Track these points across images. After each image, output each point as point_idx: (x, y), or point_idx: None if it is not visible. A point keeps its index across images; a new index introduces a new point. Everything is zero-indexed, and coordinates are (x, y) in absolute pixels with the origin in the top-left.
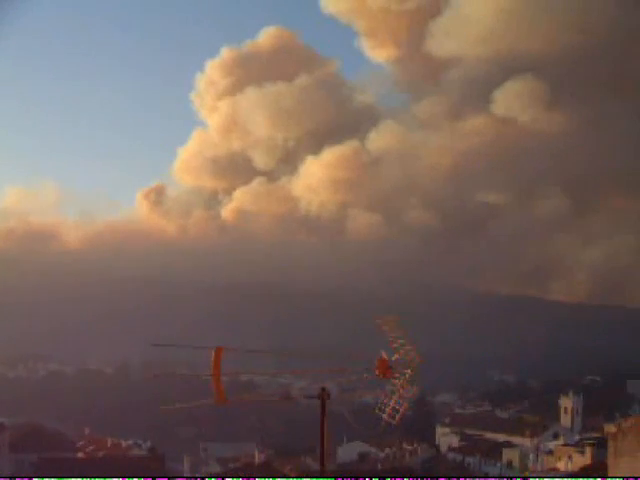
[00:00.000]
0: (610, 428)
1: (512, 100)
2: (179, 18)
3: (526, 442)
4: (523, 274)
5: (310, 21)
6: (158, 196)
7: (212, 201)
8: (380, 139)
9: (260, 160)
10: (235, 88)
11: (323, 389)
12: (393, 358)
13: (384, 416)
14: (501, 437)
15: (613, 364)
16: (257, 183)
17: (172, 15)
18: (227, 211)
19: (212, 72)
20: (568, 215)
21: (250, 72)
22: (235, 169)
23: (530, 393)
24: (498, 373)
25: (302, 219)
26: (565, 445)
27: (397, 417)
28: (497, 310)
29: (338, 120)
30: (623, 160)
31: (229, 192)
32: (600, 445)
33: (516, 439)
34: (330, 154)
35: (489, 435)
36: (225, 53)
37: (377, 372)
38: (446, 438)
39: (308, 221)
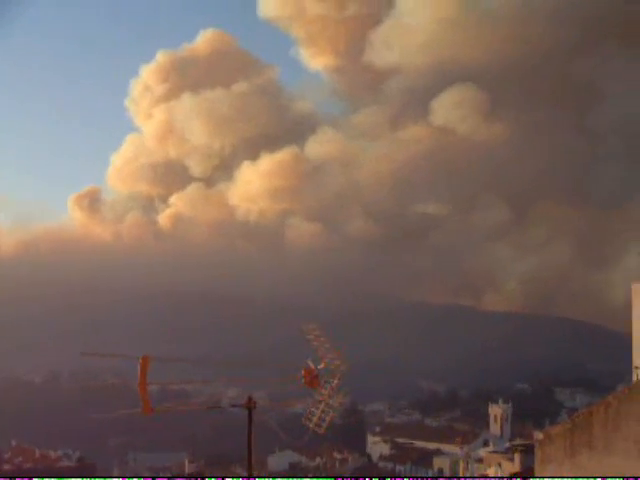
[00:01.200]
0: (538, 435)
1: (452, 110)
2: (112, 20)
3: (456, 450)
4: (459, 284)
5: (249, 26)
6: (92, 202)
7: (148, 207)
8: (319, 147)
9: (197, 167)
10: (171, 94)
11: (250, 398)
12: (320, 367)
13: (311, 425)
14: (431, 445)
15: (542, 372)
16: (194, 190)
17: (105, 17)
18: (164, 218)
19: (147, 77)
20: (507, 225)
21: (187, 77)
22: (172, 176)
23: (460, 402)
24: (429, 382)
25: (240, 227)
26: (495, 452)
27: (324, 426)
28: (430, 319)
29: (277, 128)
30: (561, 171)
31: (165, 199)
32: (529, 452)
33: (446, 447)
34: (269, 162)
35: (420, 443)
36: (161, 57)
37: (304, 381)
38: (377, 447)
39: (247, 229)
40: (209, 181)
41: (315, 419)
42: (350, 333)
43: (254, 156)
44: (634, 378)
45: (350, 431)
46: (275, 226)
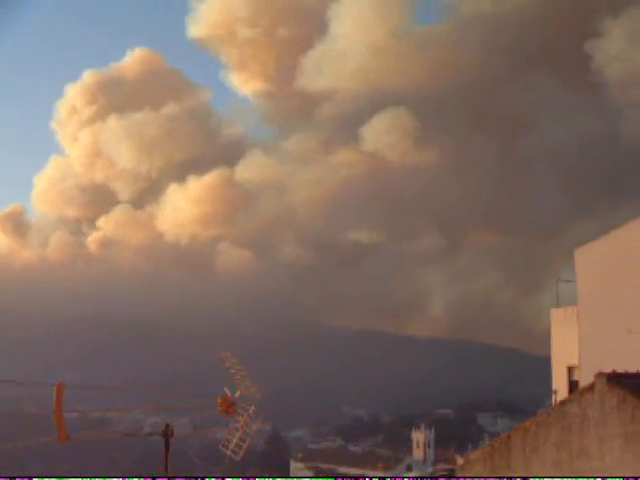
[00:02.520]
0: (459, 460)
1: (383, 135)
2: (37, 38)
3: (379, 475)
4: (387, 310)
5: (180, 47)
6: (17, 225)
7: (76, 231)
8: (250, 172)
9: (125, 191)
10: (98, 116)
11: (167, 425)
12: (236, 395)
13: (228, 452)
14: (355, 471)
15: (465, 398)
16: (122, 214)
17: (29, 35)
18: (91, 241)
19: (73, 98)
20: (439, 252)
21: (114, 98)
22: (99, 199)
23: (383, 427)
24: (352, 408)
25: (170, 252)
26: (418, 477)
27: (241, 453)
28: (355, 345)
29: (207, 151)
30: (491, 198)
31: (93, 222)
32: (451, 476)
33: (369, 472)
34: (198, 186)
35: (342, 469)
36: (87, 77)
37: (220, 410)
38: (300, 473)
39: (176, 254)
40: (138, 205)
41: (232, 446)
42: (275, 359)
43: (183, 180)
44: (553, 402)
45: (273, 457)
46: (205, 252)
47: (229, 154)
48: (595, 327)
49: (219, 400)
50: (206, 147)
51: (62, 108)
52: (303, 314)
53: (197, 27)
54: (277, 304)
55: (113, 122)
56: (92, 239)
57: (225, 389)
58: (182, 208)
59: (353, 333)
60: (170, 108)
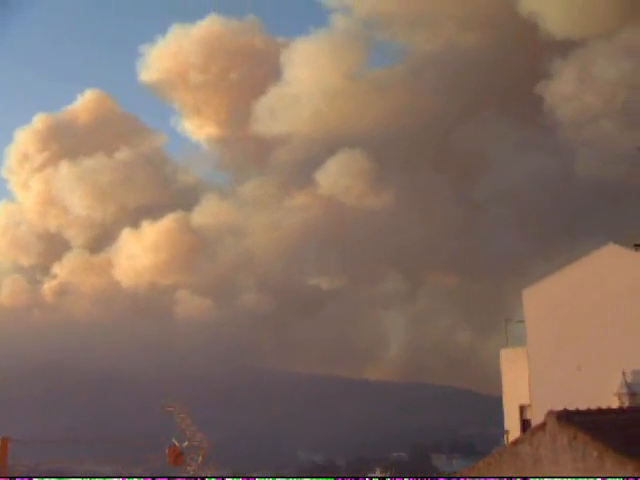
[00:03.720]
0: None
1: (339, 179)
2: None
3: None
4: (345, 355)
5: (133, 91)
6: None
7: (30, 278)
8: (206, 217)
9: (80, 238)
10: (50, 162)
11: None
12: (184, 445)
13: None
14: None
15: (420, 440)
16: (77, 261)
17: None
18: (46, 289)
19: (24, 144)
20: (396, 294)
21: (66, 143)
22: (53, 246)
23: (339, 471)
24: (308, 452)
25: (127, 300)
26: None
27: None
28: (312, 390)
29: (162, 197)
30: (448, 239)
31: (47, 269)
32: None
33: None
34: (154, 232)
35: None
36: (38, 122)
37: (168, 460)
38: None
39: (133, 302)
40: (93, 252)
41: None
42: (231, 405)
43: (139, 226)
44: (504, 442)
45: None
46: (163, 299)
47: (184, 200)
48: (545, 366)
49: (167, 451)
50: (161, 193)
51: (12, 155)
52: (261, 360)
53: (148, 72)
54: (236, 351)
55: (65, 168)
56: (47, 287)
57: (173, 439)
58: (139, 255)
59: (308, 378)
60: (124, 153)
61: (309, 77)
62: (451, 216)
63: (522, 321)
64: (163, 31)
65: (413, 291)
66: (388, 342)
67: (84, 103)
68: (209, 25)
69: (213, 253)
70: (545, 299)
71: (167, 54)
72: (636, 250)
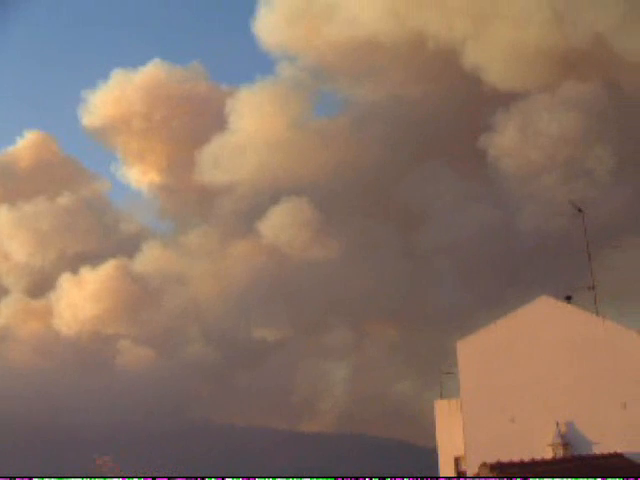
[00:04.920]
0: None
1: (283, 228)
2: None
3: None
4: (282, 406)
5: (75, 135)
6: None
7: None
8: (148, 266)
9: (19, 285)
10: None
11: None
12: None
13: None
14: None
15: None
16: (16, 309)
17: None
18: None
19: None
20: (340, 345)
21: (6, 187)
22: None
23: None
24: None
25: (67, 350)
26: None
27: None
28: (246, 443)
29: (104, 244)
30: (392, 290)
31: None
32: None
33: None
34: (96, 280)
35: None
36: None
37: None
38: None
39: (73, 352)
40: (33, 299)
41: None
42: (168, 458)
43: (80, 274)
44: None
45: None
46: (105, 349)
47: (126, 247)
48: (479, 417)
49: None
50: (103, 240)
51: None
52: (202, 412)
53: (90, 117)
54: (178, 403)
55: (5, 213)
56: None
57: None
58: (80, 303)
59: (245, 430)
60: (65, 199)
61: (254, 126)
62: (396, 267)
63: (455, 373)
64: (105, 75)
65: (357, 342)
66: (328, 393)
67: (25, 145)
68: (152, 71)
69: (156, 302)
70: (478, 351)
71: (109, 100)
72: (568, 302)
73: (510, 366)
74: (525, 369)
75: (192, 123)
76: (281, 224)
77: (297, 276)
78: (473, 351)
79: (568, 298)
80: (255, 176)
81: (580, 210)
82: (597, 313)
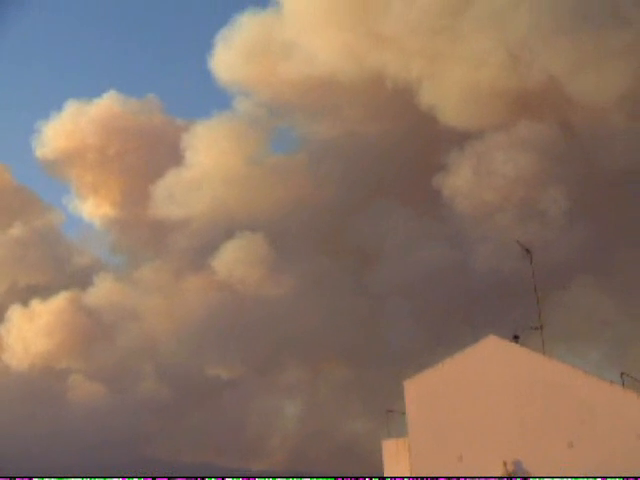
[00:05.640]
0: None
1: (236, 264)
2: None
3: None
4: (233, 444)
5: (28, 165)
6: None
7: None
8: (101, 300)
9: None
10: None
11: None
12: None
13: None
14: None
15: None
16: None
17: None
18: None
19: None
20: (293, 383)
21: None
22: None
23: None
24: None
25: (16, 385)
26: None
27: None
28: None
29: (56, 277)
30: (346, 328)
31: None
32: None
33: None
34: (47, 312)
35: None
36: None
37: None
38: None
39: (23, 388)
40: None
41: None
42: None
43: (30, 307)
44: None
45: None
46: (55, 385)
47: (79, 280)
48: (426, 456)
49: None
50: (55, 273)
51: None
52: (152, 450)
53: (44, 149)
54: (129, 440)
55: None
56: None
57: None
58: (30, 336)
59: (194, 468)
60: (17, 229)
61: (210, 160)
62: (350, 305)
63: (404, 412)
64: (59, 107)
65: (310, 380)
66: (279, 432)
67: None
68: (107, 103)
69: (108, 337)
70: (426, 390)
71: (63, 132)
72: (515, 342)
73: (457, 405)
74: (472, 408)
75: (147, 156)
76: (235, 260)
77: (250, 313)
78: (420, 390)
79: (516, 338)
80: (210, 211)
81: (528, 251)
82: (544, 353)
